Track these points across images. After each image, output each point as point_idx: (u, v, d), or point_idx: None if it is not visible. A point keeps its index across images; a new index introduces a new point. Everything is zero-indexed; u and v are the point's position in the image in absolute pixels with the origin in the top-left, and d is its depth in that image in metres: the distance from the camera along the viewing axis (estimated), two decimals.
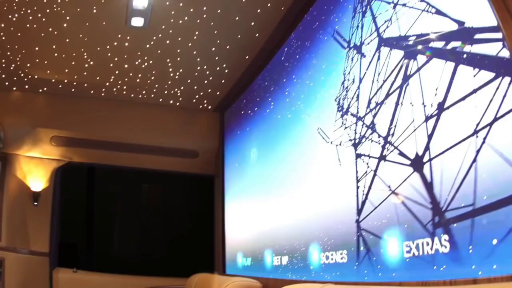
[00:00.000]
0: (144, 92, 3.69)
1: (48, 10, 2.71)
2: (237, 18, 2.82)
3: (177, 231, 4.72)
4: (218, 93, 3.69)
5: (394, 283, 1.58)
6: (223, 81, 3.50)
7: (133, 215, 4.85)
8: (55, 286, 3.66)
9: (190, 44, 3.09)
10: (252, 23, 2.86)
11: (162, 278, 3.77)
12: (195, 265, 3.50)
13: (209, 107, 3.95)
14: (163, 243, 4.76)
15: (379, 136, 1.76)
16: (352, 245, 1.81)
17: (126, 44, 3.06)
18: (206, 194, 4.26)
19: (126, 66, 3.32)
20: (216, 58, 3.24)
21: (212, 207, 4.00)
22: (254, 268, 2.87)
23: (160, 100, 3.82)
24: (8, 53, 3.14)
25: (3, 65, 3.30)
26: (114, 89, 3.64)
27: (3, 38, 2.96)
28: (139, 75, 3.44)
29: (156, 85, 3.59)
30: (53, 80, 3.52)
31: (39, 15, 2.75)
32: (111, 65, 3.29)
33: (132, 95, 3.75)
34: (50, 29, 2.88)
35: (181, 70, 3.37)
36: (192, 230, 4.71)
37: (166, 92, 3.69)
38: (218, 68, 3.32)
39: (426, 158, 1.49)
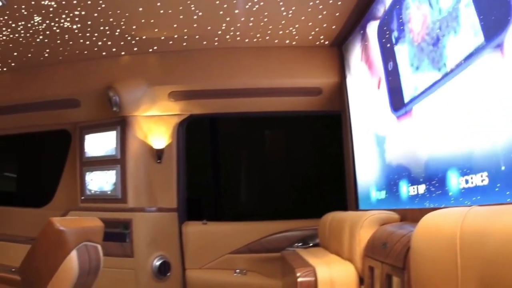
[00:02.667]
0: (258, 35, 3.76)
1: None
2: None
3: (304, 173, 4.84)
4: (333, 27, 3.65)
5: None
6: (337, 14, 3.43)
7: (258, 162, 5.05)
8: (185, 239, 4.03)
9: None
10: None
11: (294, 221, 3.92)
12: (325, 206, 3.57)
13: (326, 42, 3.93)
14: (291, 188, 4.92)
15: None
16: (494, 165, 1.75)
17: None
18: (331, 132, 4.29)
19: (236, 11, 3.36)
20: None
21: (339, 144, 4.02)
22: (388, 200, 2.89)
23: (276, 41, 3.87)
24: (111, 20, 3.40)
25: (108, 32, 3.59)
26: (227, 37, 3.76)
27: (103, 5, 3.18)
28: (251, 19, 3.50)
29: (270, 27, 3.63)
30: (163, 38, 3.72)
31: None
32: (221, 12, 3.36)
33: (247, 40, 3.84)
34: None
35: (293, 8, 3.35)
36: (319, 171, 4.80)
37: (281, 32, 3.72)
38: (331, 1, 3.23)
39: None
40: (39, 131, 4.69)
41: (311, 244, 3.78)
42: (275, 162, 5.03)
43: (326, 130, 4.67)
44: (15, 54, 3.96)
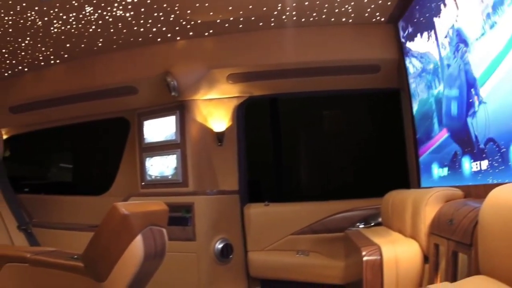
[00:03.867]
0: (314, 14, 3.78)
1: None
2: None
3: (365, 152, 4.94)
4: (389, 3, 3.65)
5: None
6: None
7: (318, 142, 5.11)
8: (246, 221, 4.15)
9: None
10: None
11: (355, 201, 3.97)
12: (387, 184, 3.58)
13: (382, 19, 3.93)
14: (352, 167, 5.01)
15: None
16: None
17: None
18: (391, 110, 4.33)
19: None
20: None
21: (399, 122, 4.04)
22: (451, 177, 2.91)
23: (332, 19, 3.89)
24: (165, 5, 3.46)
25: (162, 18, 3.66)
26: (283, 17, 3.78)
27: None
28: None
29: (326, 5, 3.65)
30: (218, 21, 3.78)
31: None
32: None
33: (303, 19, 3.86)
34: None
35: None
36: (379, 150, 4.85)
37: (336, 10, 3.73)
38: None
39: None
40: (94, 120, 4.89)
41: (372, 224, 3.84)
42: (335, 141, 5.07)
43: (385, 108, 4.70)
44: (68, 45, 4.10)
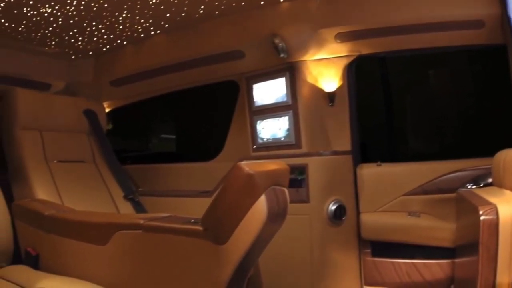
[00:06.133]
0: None
1: None
2: None
3: (472, 112, 4.85)
4: None
5: None
6: None
7: (425, 102, 5.07)
8: (359, 181, 4.18)
9: None
10: None
11: (465, 160, 3.90)
12: (496, 144, 3.38)
13: None
14: (459, 127, 4.94)
15: None
16: None
17: None
18: (497, 66, 4.19)
19: None
20: None
21: (507, 78, 3.83)
22: None
23: None
24: None
25: None
26: None
27: None
28: None
29: None
30: None
31: None
32: None
33: None
34: None
35: None
36: (487, 108, 4.74)
37: None
38: None
39: None
40: (198, 87, 5.03)
41: (481, 185, 3.74)
42: (443, 100, 5.01)
43: (492, 64, 4.58)
44: (168, 15, 4.21)
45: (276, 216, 2.50)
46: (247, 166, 2.37)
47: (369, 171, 4.18)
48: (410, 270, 3.92)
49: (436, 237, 3.85)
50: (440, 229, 3.85)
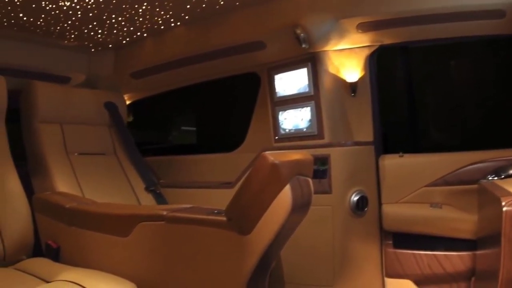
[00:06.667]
0: None
1: None
2: None
3: (494, 103, 4.77)
4: None
5: None
6: None
7: (447, 93, 4.97)
8: (381, 172, 4.17)
9: None
10: None
11: (487, 152, 3.89)
12: None
13: None
14: (481, 118, 4.86)
15: None
16: None
17: None
18: None
19: None
20: None
21: None
22: None
23: None
24: None
25: None
26: None
27: None
28: None
29: None
30: None
31: None
32: None
33: None
34: None
35: None
36: (509, 99, 4.67)
37: None
38: None
39: None
40: (218, 79, 5.06)
41: (503, 176, 3.71)
42: (465, 91, 4.98)
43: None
44: (188, 7, 4.21)
45: (300, 206, 2.51)
46: (271, 155, 2.37)
47: (391, 162, 4.16)
48: (431, 262, 3.91)
49: (457, 229, 3.83)
50: (462, 221, 3.83)
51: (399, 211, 4.09)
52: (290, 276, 4.20)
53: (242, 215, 2.47)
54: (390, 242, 4.17)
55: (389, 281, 4.15)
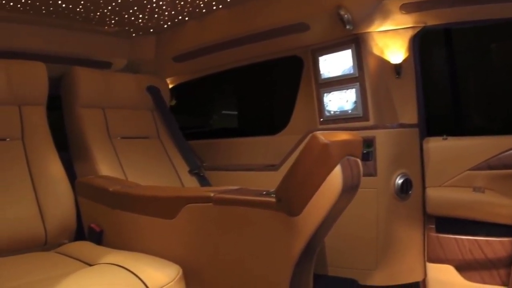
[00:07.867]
0: None
1: None
2: None
3: None
4: None
5: None
6: None
7: (491, 76, 4.87)
8: (425, 155, 4.13)
9: None
10: None
11: None
12: None
13: None
14: None
15: None
16: None
17: None
18: None
19: None
20: None
21: None
22: None
23: None
24: None
25: None
26: None
27: None
28: None
29: None
30: None
31: None
32: None
33: None
34: None
35: None
36: None
37: None
38: None
39: None
40: (260, 62, 5.07)
41: None
42: (509, 74, 4.89)
43: None
44: None
45: (350, 187, 2.50)
46: (322, 135, 2.34)
47: (435, 145, 4.13)
48: (473, 247, 3.89)
49: (499, 214, 3.80)
50: (504, 206, 3.79)
51: (443, 195, 4.06)
52: (333, 259, 4.22)
53: (292, 196, 2.46)
54: (433, 226, 4.15)
55: (430, 266, 4.15)
